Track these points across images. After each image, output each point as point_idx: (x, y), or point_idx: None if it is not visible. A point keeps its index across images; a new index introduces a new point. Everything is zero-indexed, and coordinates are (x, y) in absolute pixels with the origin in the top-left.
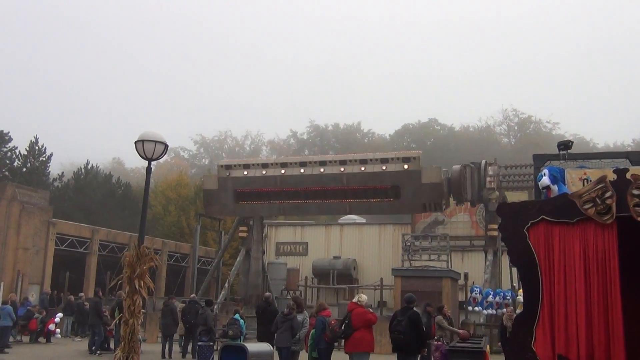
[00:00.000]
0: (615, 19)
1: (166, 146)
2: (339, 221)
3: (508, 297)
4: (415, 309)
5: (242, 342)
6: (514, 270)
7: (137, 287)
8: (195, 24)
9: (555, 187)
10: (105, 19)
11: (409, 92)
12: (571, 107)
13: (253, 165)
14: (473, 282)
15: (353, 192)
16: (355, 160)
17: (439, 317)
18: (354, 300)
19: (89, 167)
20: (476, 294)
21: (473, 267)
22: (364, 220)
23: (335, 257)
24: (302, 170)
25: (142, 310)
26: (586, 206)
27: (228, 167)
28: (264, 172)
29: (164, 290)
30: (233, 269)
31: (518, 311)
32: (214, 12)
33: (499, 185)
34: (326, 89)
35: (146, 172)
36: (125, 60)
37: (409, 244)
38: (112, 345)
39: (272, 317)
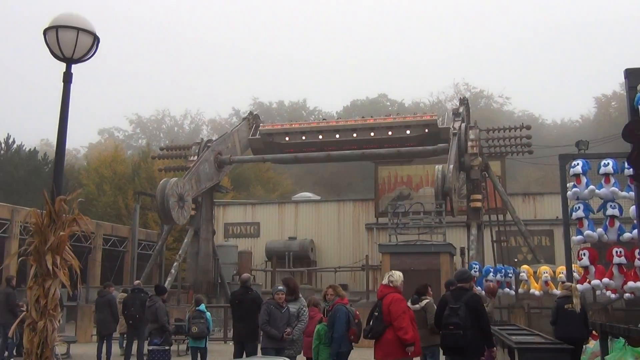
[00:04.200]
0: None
1: (96, 38)
2: (293, 199)
3: (510, 274)
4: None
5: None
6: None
7: (50, 266)
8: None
9: None
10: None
11: (356, 67)
12: (521, 82)
13: (292, 132)
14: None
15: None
16: (383, 127)
17: None
18: (384, 281)
19: (11, 142)
20: (475, 271)
21: None
22: (319, 198)
23: (290, 238)
24: (337, 136)
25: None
26: None
27: (270, 134)
28: (303, 138)
29: (99, 278)
30: (180, 251)
31: (521, 290)
32: None
33: (480, 151)
34: (270, 66)
35: (63, 82)
36: None
37: (396, 219)
38: None
39: (254, 307)
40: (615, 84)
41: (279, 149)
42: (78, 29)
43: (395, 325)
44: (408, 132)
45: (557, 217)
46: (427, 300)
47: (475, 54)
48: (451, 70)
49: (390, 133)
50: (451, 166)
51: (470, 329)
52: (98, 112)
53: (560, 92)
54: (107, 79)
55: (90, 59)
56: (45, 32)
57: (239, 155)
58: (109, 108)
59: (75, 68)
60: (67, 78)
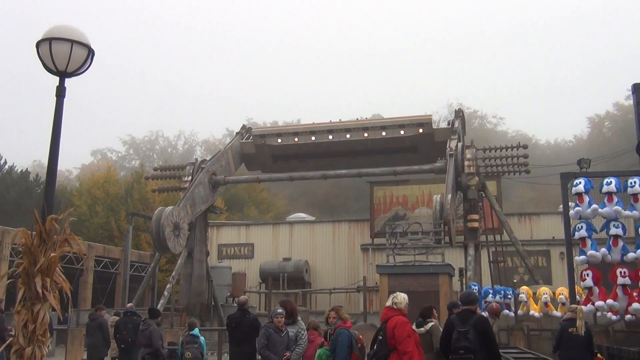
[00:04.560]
0: (558, 19)
1: (91, 51)
2: (288, 219)
3: (509, 296)
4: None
5: None
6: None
7: (39, 289)
8: (118, 20)
9: None
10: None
11: (350, 87)
12: (515, 103)
13: (285, 133)
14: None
15: (377, 151)
16: (376, 127)
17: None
18: (388, 303)
19: (2, 162)
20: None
21: None
22: (313, 218)
23: (285, 259)
24: (330, 137)
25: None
26: None
27: (262, 136)
28: (296, 140)
29: (90, 301)
30: (173, 273)
31: (520, 312)
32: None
33: (477, 171)
34: (264, 86)
35: (56, 96)
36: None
37: (394, 239)
38: None
39: (252, 331)
40: (608, 104)
41: (271, 153)
42: (72, 41)
43: (400, 349)
44: (402, 132)
45: (554, 237)
46: (432, 323)
47: (469, 75)
48: (445, 91)
49: (384, 133)
50: (449, 196)
51: (480, 353)
52: (91, 133)
53: (554, 113)
54: (100, 100)
55: (84, 74)
56: (38, 44)
57: (233, 172)
58: (102, 129)
59: (68, 88)
60: (61, 92)
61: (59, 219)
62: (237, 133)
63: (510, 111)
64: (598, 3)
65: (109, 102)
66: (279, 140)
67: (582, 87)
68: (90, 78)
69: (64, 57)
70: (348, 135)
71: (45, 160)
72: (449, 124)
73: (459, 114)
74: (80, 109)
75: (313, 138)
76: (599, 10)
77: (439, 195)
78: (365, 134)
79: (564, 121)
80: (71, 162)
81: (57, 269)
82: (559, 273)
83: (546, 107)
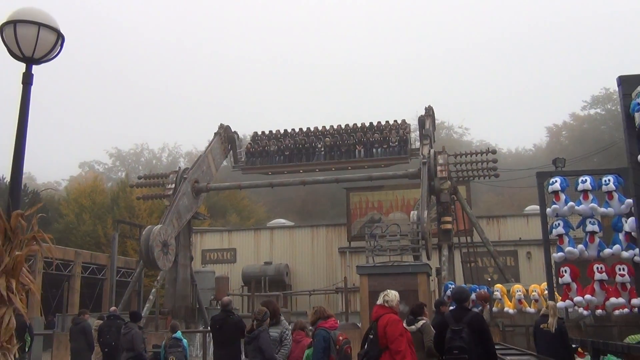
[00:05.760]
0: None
1: (60, 36)
2: (268, 225)
3: None
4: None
5: None
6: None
7: (4, 292)
8: (106, 35)
9: None
10: None
11: (316, 98)
12: (479, 114)
13: (275, 172)
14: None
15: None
16: (361, 166)
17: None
18: (379, 301)
19: None
20: (451, 291)
21: None
22: (293, 224)
23: (266, 263)
24: (317, 169)
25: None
26: None
27: (255, 174)
28: (285, 172)
29: (78, 306)
30: (158, 277)
31: (495, 309)
32: (120, 21)
33: (449, 175)
34: (245, 98)
35: (22, 84)
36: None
37: (373, 241)
38: None
39: (237, 333)
40: (564, 114)
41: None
42: (39, 24)
43: (393, 348)
44: (383, 164)
45: (520, 238)
46: (423, 321)
47: (436, 87)
48: (413, 102)
49: (366, 167)
50: (425, 212)
51: (475, 352)
52: (79, 147)
53: (515, 123)
54: (88, 114)
55: (54, 60)
56: (2, 28)
57: (214, 174)
58: (90, 142)
59: (60, 99)
60: (27, 79)
61: (26, 216)
62: (215, 134)
63: (474, 122)
64: (554, 19)
65: (97, 114)
66: (270, 173)
67: (540, 99)
68: (79, 92)
69: (30, 41)
70: (333, 168)
71: (34, 172)
72: (419, 122)
73: (429, 111)
74: (69, 121)
75: (301, 171)
76: (555, 27)
77: (416, 212)
78: (349, 167)
79: (524, 131)
80: (60, 174)
81: (24, 269)
82: (526, 272)
83: (507, 117)
